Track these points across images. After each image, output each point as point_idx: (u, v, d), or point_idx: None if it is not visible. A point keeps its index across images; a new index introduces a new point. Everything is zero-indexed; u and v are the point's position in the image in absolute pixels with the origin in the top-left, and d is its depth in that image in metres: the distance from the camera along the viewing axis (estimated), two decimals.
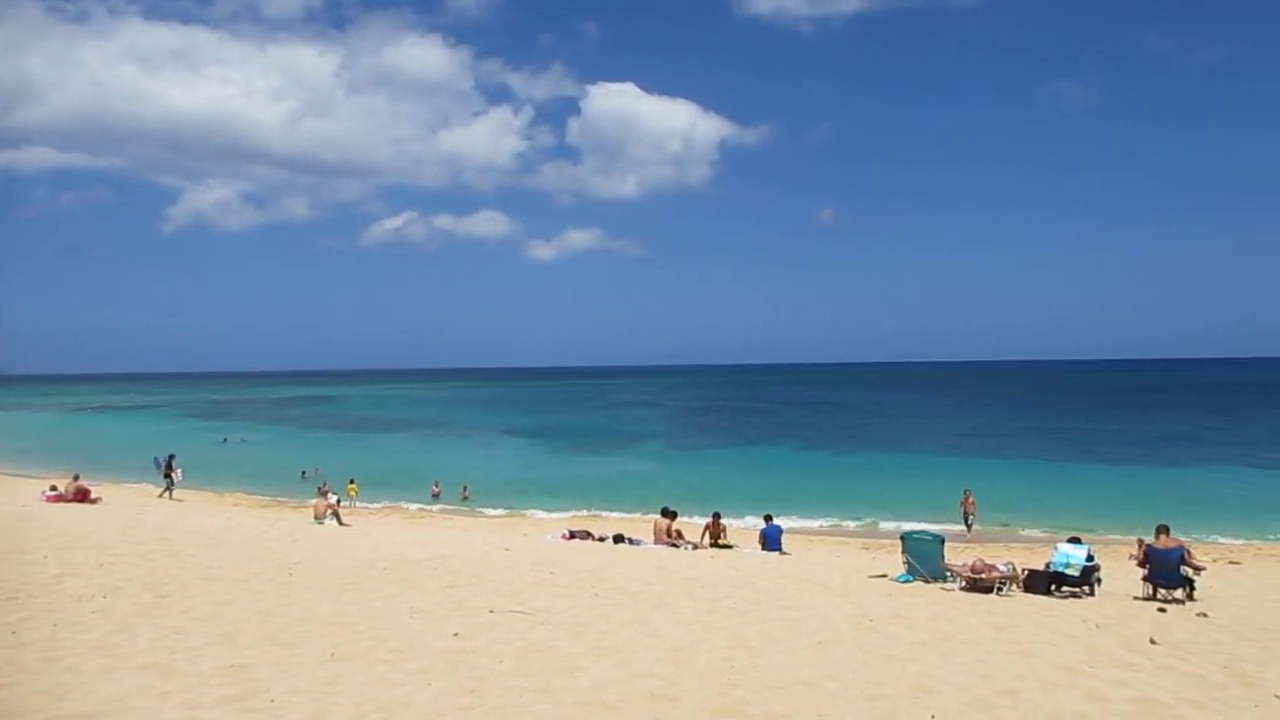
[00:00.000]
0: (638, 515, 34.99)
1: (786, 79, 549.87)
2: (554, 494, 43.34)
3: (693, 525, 26.26)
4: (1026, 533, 32.83)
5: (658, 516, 25.27)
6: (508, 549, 20.65)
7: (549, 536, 26.00)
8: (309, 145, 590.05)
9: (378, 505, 40.38)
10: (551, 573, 16.77)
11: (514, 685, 9.44)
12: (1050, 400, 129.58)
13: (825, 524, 35.18)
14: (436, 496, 43.40)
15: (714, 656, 10.90)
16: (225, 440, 74.49)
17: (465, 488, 43.85)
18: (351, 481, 41.72)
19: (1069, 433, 76.42)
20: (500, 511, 39.17)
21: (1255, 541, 30.59)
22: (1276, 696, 9.98)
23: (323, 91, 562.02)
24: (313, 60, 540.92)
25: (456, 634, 11.49)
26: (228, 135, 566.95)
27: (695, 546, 23.93)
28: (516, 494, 43.69)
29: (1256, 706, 9.62)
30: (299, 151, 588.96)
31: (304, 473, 49.08)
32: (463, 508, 40.60)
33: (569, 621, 12.51)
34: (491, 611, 12.92)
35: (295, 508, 36.59)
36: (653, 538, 24.50)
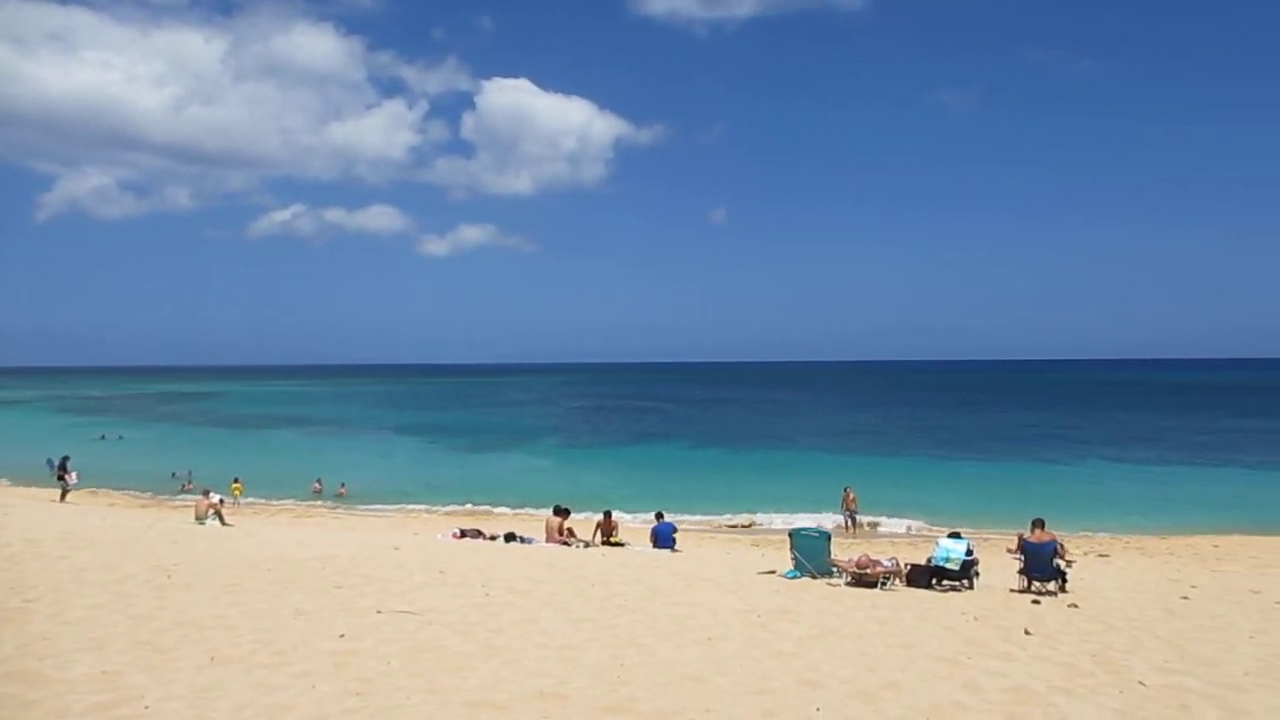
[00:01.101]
0: (530, 513, 34.89)
1: (681, 80, 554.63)
2: (445, 492, 42.80)
3: (585, 523, 26.23)
4: (908, 528, 33.68)
5: (549, 514, 25.17)
6: (397, 548, 20.34)
7: (439, 535, 25.71)
8: (193, 133, 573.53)
9: (264, 504, 39.40)
10: (441, 572, 16.61)
11: (401, 686, 9.32)
12: (939, 398, 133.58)
13: (716, 521, 35.50)
14: (318, 493, 42.55)
15: (604, 654, 10.93)
16: (102, 437, 71.64)
17: (341, 485, 43.07)
18: (236, 480, 40.62)
19: (953, 430, 78.83)
20: (390, 510, 38.57)
21: (1122, 535, 31.88)
22: (1140, 683, 10.43)
23: (208, 78, 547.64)
24: (198, 46, 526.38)
25: (343, 635, 11.29)
26: (107, 121, 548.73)
27: (587, 544, 23.91)
28: (407, 492, 43.06)
29: (1121, 692, 10.04)
30: (182, 139, 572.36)
31: (174, 474, 47.12)
32: (341, 505, 39.82)
33: (458, 621, 12.40)
34: (379, 612, 12.74)
35: (175, 507, 35.46)
36: (544, 536, 24.41)
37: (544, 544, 23.81)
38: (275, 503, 40.06)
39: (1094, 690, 10.11)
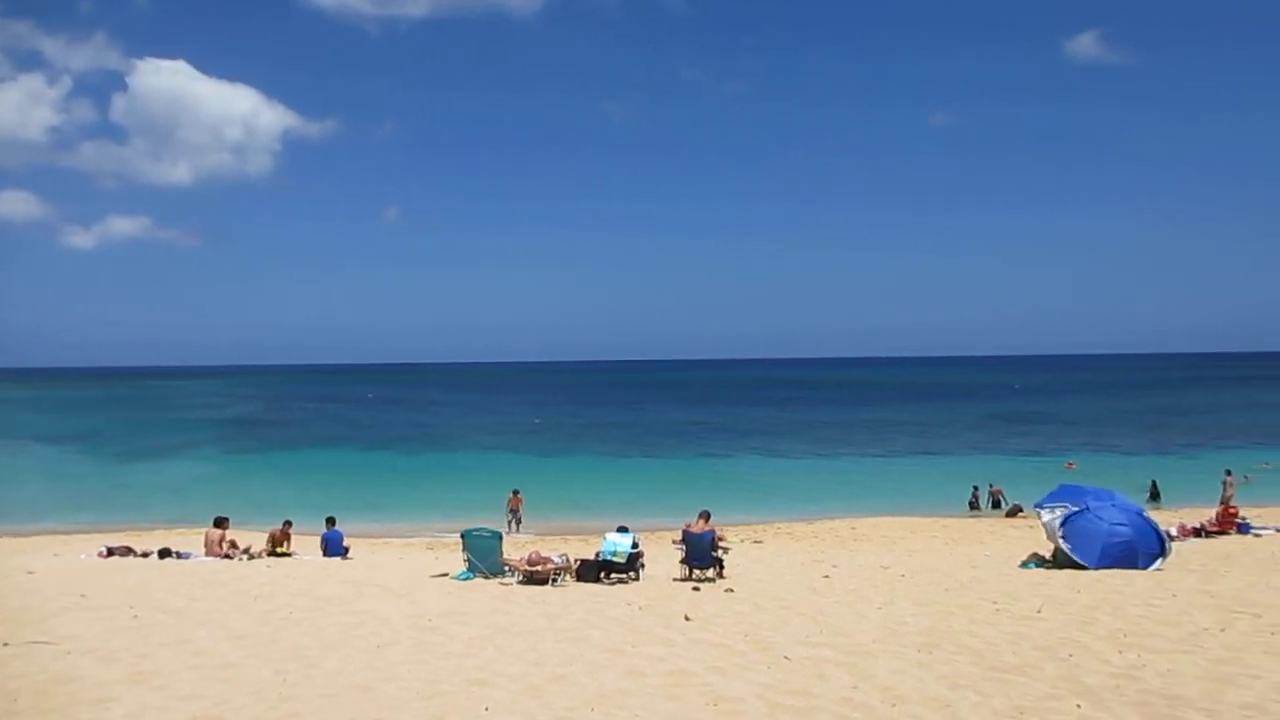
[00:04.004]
0: (188, 527, 32.71)
1: (352, 75, 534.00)
2: (93, 506, 39.37)
3: (253, 534, 25.01)
4: (581, 524, 34.54)
5: (210, 527, 23.80)
6: (32, 572, 18.47)
7: (83, 555, 23.54)
8: None
9: None
10: (83, 595, 15.29)
11: None
12: (611, 396, 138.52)
13: (390, 525, 34.85)
14: None
15: (265, 670, 10.51)
16: None
17: None
18: None
19: (623, 427, 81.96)
20: (27, 530, 34.87)
21: (774, 522, 34.39)
22: (786, 657, 11.33)
23: None
24: None
25: None
26: None
27: (251, 556, 22.81)
28: (47, 508, 39.06)
29: (769, 667, 10.86)
30: None
31: None
32: None
33: (101, 647, 11.49)
34: (6, 644, 11.55)
35: None
36: (204, 549, 23.06)
37: (204, 558, 22.47)
38: None
39: (745, 667, 10.86)
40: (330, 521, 24.99)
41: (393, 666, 10.78)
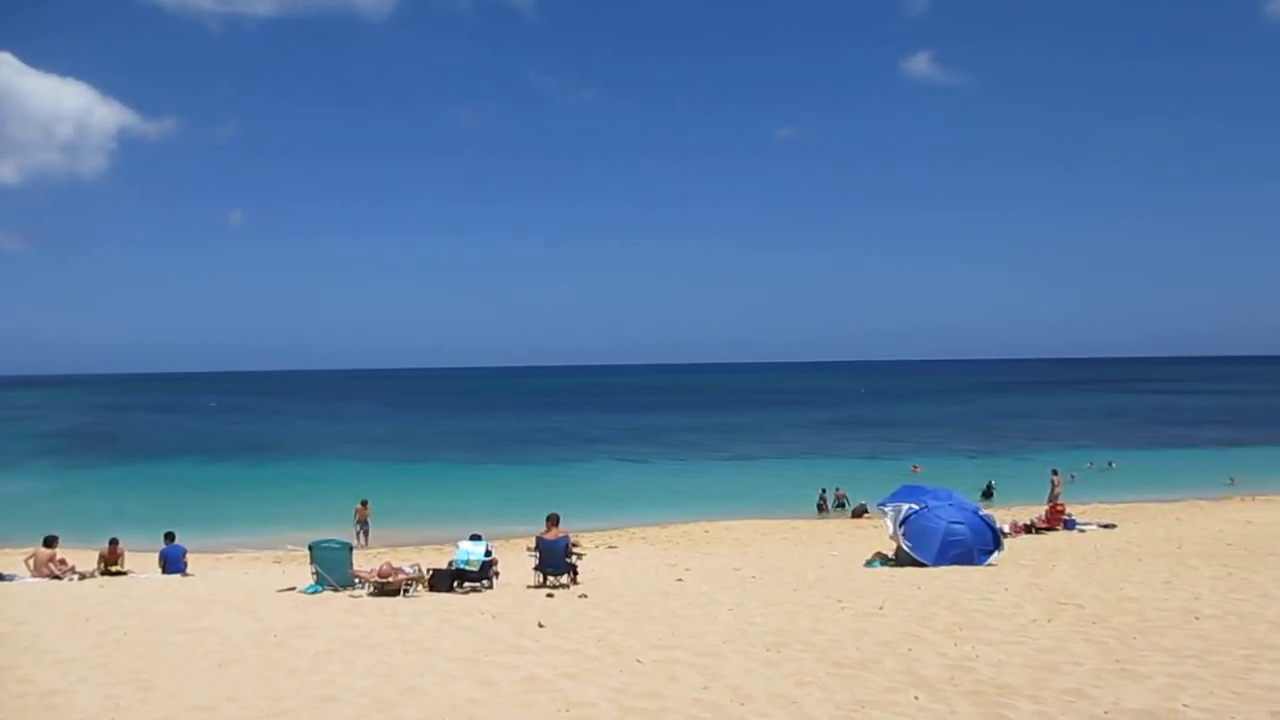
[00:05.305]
0: (11, 547, 30.90)
1: (194, 74, 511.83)
2: None
3: (84, 553, 23.79)
4: (434, 533, 34.06)
5: (39, 546, 22.55)
6: None
7: None
8: None
9: None
10: None
11: None
12: (458, 402, 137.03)
13: (235, 540, 33.67)
14: None
15: (96, 696, 10.02)
16: None
17: None
18: None
19: (475, 434, 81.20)
20: None
21: (629, 527, 34.68)
22: (638, 661, 11.42)
23: None
24: None
25: None
26: None
27: (82, 576, 21.72)
28: None
29: (621, 671, 10.93)
30: None
31: None
32: None
33: None
34: None
35: None
36: (31, 570, 21.83)
37: (30, 579, 21.28)
38: None
39: (597, 672, 10.91)
40: (169, 537, 24.02)
41: (234, 685, 10.42)
